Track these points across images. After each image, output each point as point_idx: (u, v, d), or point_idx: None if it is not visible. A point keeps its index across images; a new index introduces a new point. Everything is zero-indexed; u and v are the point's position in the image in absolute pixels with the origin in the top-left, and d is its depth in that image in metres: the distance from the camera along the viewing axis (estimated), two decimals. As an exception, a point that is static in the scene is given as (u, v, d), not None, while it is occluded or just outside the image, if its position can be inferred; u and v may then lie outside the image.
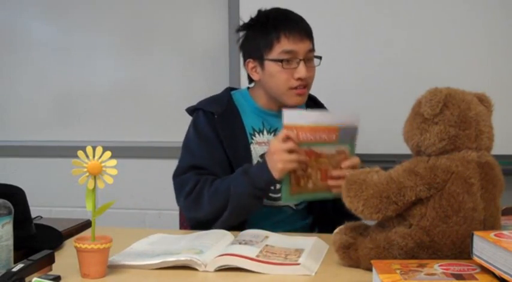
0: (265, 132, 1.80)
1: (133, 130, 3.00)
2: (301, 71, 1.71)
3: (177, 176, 1.76)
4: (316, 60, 1.79)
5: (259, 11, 1.80)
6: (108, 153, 1.29)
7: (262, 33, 1.75)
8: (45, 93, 3.10)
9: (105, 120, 3.04)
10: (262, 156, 1.74)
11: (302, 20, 1.77)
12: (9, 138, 3.12)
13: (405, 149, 1.33)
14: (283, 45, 1.71)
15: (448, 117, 1.24)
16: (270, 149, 1.60)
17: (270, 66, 1.73)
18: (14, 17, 3.10)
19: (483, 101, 1.30)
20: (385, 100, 2.55)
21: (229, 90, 1.88)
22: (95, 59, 3.04)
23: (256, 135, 1.80)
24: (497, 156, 1.29)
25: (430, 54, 2.54)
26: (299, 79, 1.71)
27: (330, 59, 2.61)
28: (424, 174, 1.22)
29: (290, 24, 1.72)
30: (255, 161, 1.76)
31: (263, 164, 1.61)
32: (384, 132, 2.16)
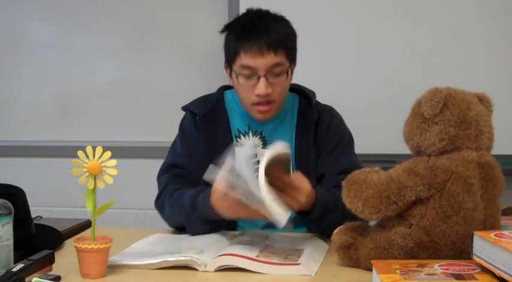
0: (250, 134, 1.75)
1: (133, 130, 3.00)
2: (260, 87, 1.62)
3: (159, 176, 1.79)
4: (286, 70, 1.66)
5: (247, 10, 1.74)
6: (108, 153, 1.29)
7: (230, 41, 1.69)
8: (46, 93, 3.10)
9: (105, 120, 3.04)
10: None
11: (270, 30, 1.63)
12: (9, 138, 3.12)
13: (405, 149, 1.33)
14: (242, 60, 1.63)
15: (448, 117, 1.24)
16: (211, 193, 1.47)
17: (234, 77, 1.68)
18: (14, 17, 3.10)
19: (483, 101, 1.31)
20: (385, 100, 2.55)
21: (223, 89, 1.85)
22: (95, 59, 3.04)
23: (242, 137, 1.76)
24: (497, 156, 1.29)
25: (430, 54, 2.54)
26: (259, 95, 1.64)
27: (330, 59, 2.63)
28: (424, 174, 1.22)
29: (252, 36, 1.62)
30: None
31: (208, 202, 1.48)
32: (384, 132, 2.16)
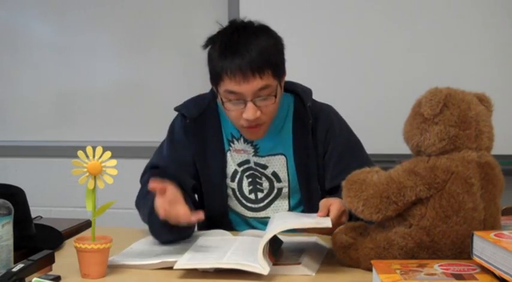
0: (242, 139, 1.69)
1: (133, 130, 3.00)
2: (248, 113, 1.54)
3: (141, 177, 1.76)
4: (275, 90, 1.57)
5: (229, 23, 1.64)
6: (108, 153, 1.29)
7: (212, 61, 1.59)
8: (45, 93, 3.10)
9: (105, 120, 3.04)
10: (240, 164, 1.70)
11: (252, 48, 1.53)
12: (9, 138, 3.12)
13: (405, 149, 1.33)
14: (226, 85, 1.54)
15: (448, 117, 1.24)
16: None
17: (220, 99, 1.60)
18: (14, 17, 3.10)
19: (483, 101, 1.31)
20: (385, 100, 2.55)
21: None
22: (95, 59, 3.04)
23: (235, 142, 1.70)
24: (497, 156, 1.29)
25: (430, 54, 2.54)
26: (247, 120, 1.56)
27: (331, 60, 2.63)
28: (424, 174, 1.22)
29: (234, 61, 1.51)
30: (231, 169, 1.70)
31: None
32: (384, 132, 2.16)
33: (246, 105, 1.55)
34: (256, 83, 1.53)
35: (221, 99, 1.60)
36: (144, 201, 1.58)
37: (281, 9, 2.60)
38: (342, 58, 2.61)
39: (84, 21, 3.02)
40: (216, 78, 1.57)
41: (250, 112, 1.55)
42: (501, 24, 2.51)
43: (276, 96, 1.58)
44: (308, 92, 1.74)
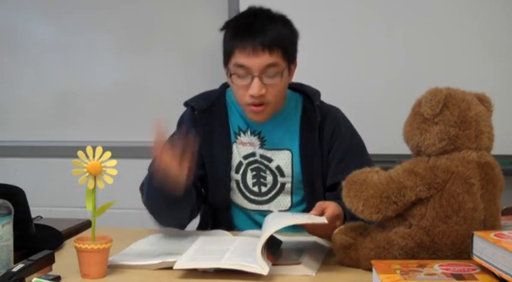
0: (249, 132, 1.73)
1: (133, 130, 3.00)
2: (253, 88, 1.59)
3: (149, 167, 1.71)
4: (280, 72, 1.62)
5: (248, 8, 1.71)
6: (108, 153, 1.29)
7: (226, 40, 1.67)
8: (45, 93, 3.10)
9: (105, 120, 3.04)
10: (246, 157, 1.72)
11: (266, 30, 1.60)
12: (9, 138, 3.12)
13: (405, 149, 1.33)
14: (236, 59, 1.61)
15: (448, 117, 1.24)
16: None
17: (229, 76, 1.66)
18: (14, 17, 3.10)
19: (483, 101, 1.31)
20: (385, 100, 2.55)
21: (225, 86, 1.81)
22: (95, 59, 3.04)
23: (242, 134, 1.73)
24: (497, 156, 1.29)
25: (430, 55, 2.54)
26: (252, 96, 1.61)
27: (331, 59, 2.63)
28: (424, 174, 1.22)
29: (246, 36, 1.60)
30: (236, 161, 1.73)
31: None
32: (384, 132, 2.16)
33: (252, 80, 1.59)
34: (265, 59, 1.58)
35: (230, 77, 1.64)
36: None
37: (281, 10, 2.59)
38: (342, 58, 2.61)
39: (84, 21, 3.02)
40: (227, 53, 1.64)
41: (255, 88, 1.59)
42: (501, 24, 2.51)
43: (282, 76, 1.62)
44: (316, 93, 1.78)
